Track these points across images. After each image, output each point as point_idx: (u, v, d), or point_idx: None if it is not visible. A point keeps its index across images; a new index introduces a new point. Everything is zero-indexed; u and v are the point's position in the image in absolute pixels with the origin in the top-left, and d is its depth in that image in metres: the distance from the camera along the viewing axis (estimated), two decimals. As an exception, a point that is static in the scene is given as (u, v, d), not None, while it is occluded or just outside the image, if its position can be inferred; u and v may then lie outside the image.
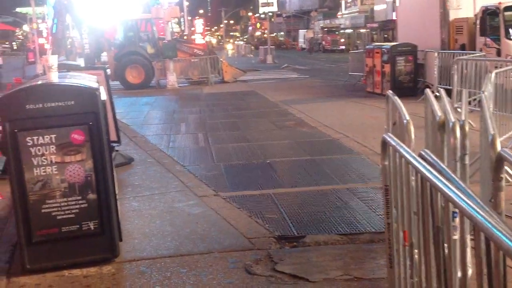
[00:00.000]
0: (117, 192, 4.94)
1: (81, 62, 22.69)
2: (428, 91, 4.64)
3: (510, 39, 13.61)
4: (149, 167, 8.13)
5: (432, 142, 3.43)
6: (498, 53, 13.89)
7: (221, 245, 4.90)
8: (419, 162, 2.35)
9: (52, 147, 4.46)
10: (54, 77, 4.73)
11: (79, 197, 4.54)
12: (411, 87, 15.90)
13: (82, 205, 4.54)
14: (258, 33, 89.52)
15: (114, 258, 4.64)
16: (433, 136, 3.57)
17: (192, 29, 72.70)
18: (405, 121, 3.21)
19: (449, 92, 13.68)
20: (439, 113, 3.31)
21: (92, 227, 4.57)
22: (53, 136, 4.45)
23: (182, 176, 7.46)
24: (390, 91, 4.90)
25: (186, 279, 4.25)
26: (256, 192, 6.60)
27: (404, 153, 2.45)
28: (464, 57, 12.06)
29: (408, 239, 2.59)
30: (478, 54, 12.77)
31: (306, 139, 9.91)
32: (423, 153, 2.48)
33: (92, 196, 4.55)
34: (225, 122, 12.27)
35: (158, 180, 7.34)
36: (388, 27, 50.84)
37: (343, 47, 60.60)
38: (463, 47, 15.60)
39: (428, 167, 2.20)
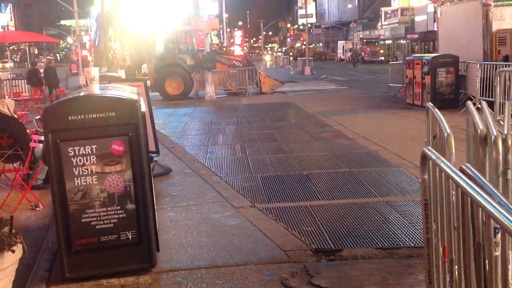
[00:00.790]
0: (154, 202, 5.00)
1: (122, 73, 23.19)
2: (469, 103, 4.54)
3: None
4: (187, 177, 8.20)
5: (473, 156, 3.35)
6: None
7: (257, 257, 4.89)
8: (459, 177, 2.29)
9: (93, 158, 4.54)
10: (96, 88, 4.83)
11: (118, 207, 4.61)
12: (452, 99, 15.63)
13: (121, 215, 4.61)
14: (297, 45, 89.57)
15: (151, 268, 4.68)
16: (475, 150, 3.49)
17: (231, 40, 73.39)
18: (445, 134, 3.15)
19: (491, 104, 13.41)
20: (481, 126, 3.23)
21: (130, 237, 4.63)
22: (93, 146, 4.54)
23: (219, 187, 7.50)
24: (430, 103, 4.82)
25: (221, 290, 4.26)
26: (293, 204, 6.57)
27: (445, 167, 2.39)
28: (507, 68, 11.77)
29: (448, 255, 2.52)
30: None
31: (344, 151, 9.83)
32: (464, 167, 2.42)
33: (130, 206, 4.62)
34: (262, 133, 12.29)
35: (195, 190, 7.39)
36: (428, 38, 50.15)
37: (382, 58, 60.14)
38: (506, 59, 15.25)
39: (469, 181, 2.15)
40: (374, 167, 8.35)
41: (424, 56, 17.04)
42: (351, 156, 9.28)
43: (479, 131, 3.14)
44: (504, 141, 2.83)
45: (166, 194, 7.29)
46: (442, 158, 2.41)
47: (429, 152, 2.60)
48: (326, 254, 4.94)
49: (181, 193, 7.33)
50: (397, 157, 9.00)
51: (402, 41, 62.07)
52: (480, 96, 14.04)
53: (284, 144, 10.82)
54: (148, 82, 23.04)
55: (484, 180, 2.32)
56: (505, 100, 10.92)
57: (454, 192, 2.54)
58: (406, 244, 5.06)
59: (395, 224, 5.63)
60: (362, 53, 62.97)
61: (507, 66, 12.85)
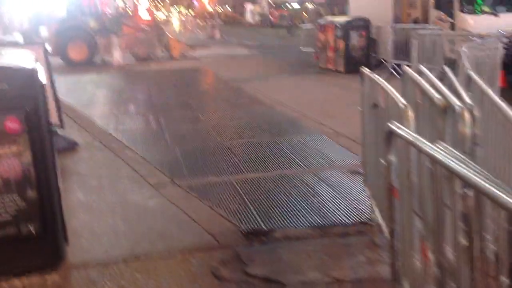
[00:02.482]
0: (60, 185, 4.33)
1: (19, 38, 21.35)
2: (406, 68, 4.21)
3: (464, 12, 13.47)
4: (96, 152, 7.46)
5: (428, 131, 3.00)
6: (452, 27, 13.76)
7: (183, 243, 4.38)
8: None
9: (-18, 138, 3.80)
10: (-18, 55, 4.04)
11: (16, 195, 3.90)
12: (364, 62, 15.59)
13: (20, 205, 3.91)
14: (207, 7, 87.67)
15: (60, 263, 4.05)
16: (422, 123, 3.13)
17: (136, 3, 70.35)
18: (401, 105, 2.76)
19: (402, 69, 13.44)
20: (436, 95, 2.88)
21: (32, 229, 3.95)
22: (-18, 125, 3.79)
23: (134, 163, 6.86)
24: (366, 68, 4.45)
25: None
26: (216, 179, 6.08)
27: (424, 146, 1.97)
28: (424, 31, 11.80)
29: (428, 253, 2.12)
30: (434, 28, 12.56)
31: (263, 118, 9.44)
32: (438, 145, 2.03)
33: (31, 193, 3.92)
34: (176, 102, 11.62)
35: (106, 167, 6.71)
36: (335, 2, 50.60)
37: (290, 22, 60.09)
38: (415, 21, 15.43)
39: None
40: (296, 135, 8.02)
41: (337, 20, 16.88)
42: (272, 124, 8.91)
43: (437, 101, 2.78)
44: (471, 113, 2.48)
45: (73, 172, 6.55)
46: (420, 138, 2.00)
47: (399, 130, 2.17)
48: (258, 236, 4.51)
49: (91, 170, 6.62)
50: (317, 124, 8.73)
51: (309, 5, 62.30)
52: (392, 59, 14.12)
53: (201, 112, 10.25)
54: (49, 46, 21.47)
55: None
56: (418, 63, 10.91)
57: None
58: (341, 221, 4.75)
59: (326, 198, 5.31)
60: (271, 17, 62.65)
61: (419, 29, 12.94)
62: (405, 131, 2.10)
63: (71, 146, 7.66)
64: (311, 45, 19.58)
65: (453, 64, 10.71)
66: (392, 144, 2.32)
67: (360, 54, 15.59)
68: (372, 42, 15.84)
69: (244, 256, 4.11)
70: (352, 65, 15.47)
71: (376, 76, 3.91)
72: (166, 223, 4.82)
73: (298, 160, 6.67)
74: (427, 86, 3.24)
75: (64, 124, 7.69)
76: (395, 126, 2.20)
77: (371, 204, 4.59)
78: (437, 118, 2.76)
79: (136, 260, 4.12)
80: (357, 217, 4.78)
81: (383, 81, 3.61)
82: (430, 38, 11.39)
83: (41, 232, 3.98)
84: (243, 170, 6.38)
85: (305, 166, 6.44)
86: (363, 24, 15.76)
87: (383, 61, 14.92)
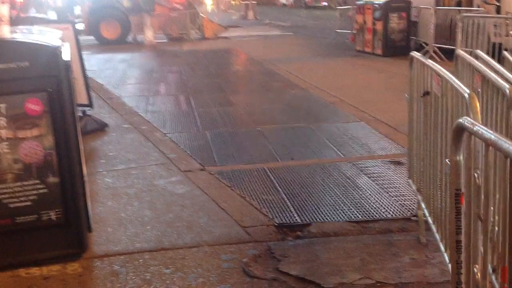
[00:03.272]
0: (84, 170, 4.09)
1: (53, 15, 21.34)
2: (461, 52, 3.82)
3: (511, -5, 12.75)
4: (125, 134, 7.24)
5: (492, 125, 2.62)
6: (498, 11, 13.07)
7: (212, 235, 4.11)
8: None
9: (2, 120, 3.57)
10: (5, 31, 3.79)
11: (37, 181, 3.68)
12: (404, 46, 15.05)
13: (41, 191, 3.69)
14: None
15: (82, 253, 3.83)
16: (492, 115, 2.74)
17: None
18: (466, 94, 2.39)
19: (445, 53, 12.91)
20: (504, 84, 2.50)
21: (54, 217, 3.73)
22: (2, 105, 3.56)
23: (163, 146, 6.61)
24: (416, 52, 4.05)
25: (170, 283, 3.46)
26: (248, 166, 5.78)
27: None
28: (470, 14, 11.21)
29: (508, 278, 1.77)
30: (480, 10, 11.92)
31: (298, 102, 9.08)
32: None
33: (53, 179, 3.69)
34: (208, 83, 11.33)
35: (135, 150, 6.48)
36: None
37: (325, 3, 59.08)
38: (459, 4, 14.75)
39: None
40: (333, 121, 7.65)
41: (375, 1, 16.27)
42: (307, 109, 8.54)
43: (507, 91, 2.40)
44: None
45: (101, 155, 6.35)
46: (500, 137, 1.64)
47: (475, 127, 1.80)
48: (292, 229, 4.21)
49: (119, 153, 6.39)
50: (355, 110, 8.33)
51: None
52: (434, 43, 13.53)
53: (232, 95, 9.94)
54: (82, 25, 21.39)
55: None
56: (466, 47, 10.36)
57: None
58: (382, 215, 4.40)
59: (366, 191, 4.95)
60: (305, -2, 61.67)
61: (464, 11, 12.32)
62: (484, 129, 1.74)
63: (101, 128, 7.46)
64: (347, 26, 19.04)
65: (498, 49, 10.18)
66: (462, 142, 1.97)
67: (399, 37, 15.02)
68: (412, 24, 15.23)
69: (277, 252, 3.81)
70: (391, 48, 14.97)
71: (430, 61, 3.52)
72: (195, 212, 4.55)
73: (336, 148, 6.31)
74: (491, 73, 2.86)
75: (93, 105, 7.49)
76: (468, 122, 1.84)
77: (416, 200, 4.24)
78: (507, 111, 2.38)
79: (162, 252, 3.87)
80: (401, 213, 4.42)
81: (438, 66, 3.23)
82: (475, 21, 10.79)
83: (62, 220, 3.76)
84: (277, 157, 6.06)
85: (343, 155, 6.08)
86: (403, 6, 15.15)
87: (423, 44, 14.32)
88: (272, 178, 5.36)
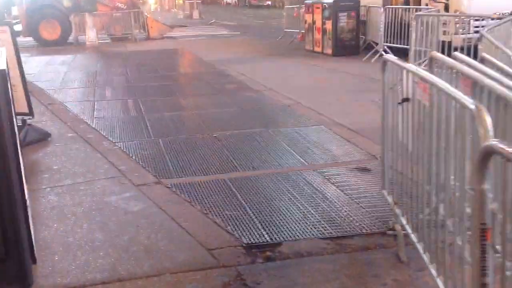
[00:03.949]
0: (26, 191, 3.61)
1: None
2: (459, 54, 3.53)
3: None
4: (71, 144, 6.70)
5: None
6: (446, 8, 13.15)
7: (174, 261, 3.69)
8: None
9: None
10: None
11: (-30, 209, 3.17)
12: (353, 45, 15.00)
13: (-25, 221, 3.19)
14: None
15: (27, 289, 3.35)
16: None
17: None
18: (472, 106, 2.10)
19: (398, 53, 12.85)
20: None
21: (-9, 250, 3.23)
22: None
23: (113, 157, 6.13)
24: (390, 55, 3.77)
25: (130, 322, 3.05)
26: (207, 177, 5.38)
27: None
28: (422, 13, 11.16)
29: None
30: (432, 10, 11.92)
31: (253, 105, 8.74)
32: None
33: (-11, 206, 3.20)
34: (156, 86, 10.83)
35: (82, 162, 5.97)
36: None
37: (269, 2, 59.00)
38: (406, 3, 14.78)
39: None
40: (291, 125, 7.34)
41: (324, 0, 16.13)
42: (263, 112, 8.22)
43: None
44: None
45: (44, 169, 5.80)
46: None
47: (502, 148, 1.51)
48: (262, 250, 3.84)
49: (64, 166, 5.87)
50: (313, 112, 8.06)
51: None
52: (384, 43, 13.48)
53: (184, 98, 9.51)
54: (20, 26, 20.33)
55: None
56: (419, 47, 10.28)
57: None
58: (356, 230, 4.10)
59: (335, 202, 4.65)
60: (250, -3, 61.43)
61: (415, 10, 12.30)
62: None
63: (43, 138, 6.89)
64: (294, 26, 18.86)
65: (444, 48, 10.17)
66: (489, 168, 1.67)
67: (349, 36, 14.91)
68: (361, 23, 15.16)
69: (248, 278, 3.45)
70: (340, 48, 14.84)
71: (411, 65, 3.24)
72: (153, 233, 4.12)
73: (298, 155, 6.00)
74: (487, 79, 2.59)
75: (33, 113, 6.90)
76: (499, 146, 1.54)
77: (390, 211, 3.97)
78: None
79: (118, 284, 3.43)
80: (376, 226, 4.14)
81: (424, 72, 2.94)
82: (426, 20, 10.74)
83: (2, 252, 3.27)
84: (237, 166, 5.69)
85: (306, 161, 5.77)
86: (352, 5, 15.02)
87: (372, 44, 14.27)
88: (234, 190, 4.99)
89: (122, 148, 6.45)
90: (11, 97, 4.20)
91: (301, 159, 5.85)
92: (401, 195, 3.71)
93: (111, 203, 4.76)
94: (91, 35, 19.93)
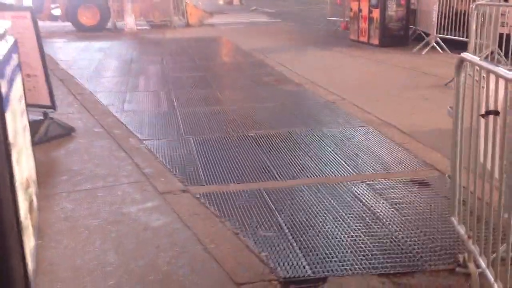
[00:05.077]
0: (22, 214, 3.05)
1: (28, 1, 20.07)
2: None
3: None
4: (95, 141, 6.17)
5: None
6: (506, -2, 12.11)
7: (196, 297, 3.09)
8: None
9: None
10: None
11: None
12: (402, 35, 14.09)
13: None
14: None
15: (19, 329, 2.79)
16: None
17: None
18: None
19: (450, 44, 11.94)
20: None
21: (-25, 284, 2.68)
22: None
23: (138, 157, 5.56)
24: (468, 53, 3.04)
25: None
26: (241, 186, 4.74)
27: None
28: (484, 2, 10.21)
29: None
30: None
31: (294, 101, 8.05)
32: None
33: (-27, 232, 2.64)
34: (192, 76, 10.24)
35: (105, 162, 5.42)
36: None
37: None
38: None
39: None
40: (336, 126, 6.62)
41: (371, -13, 15.20)
42: (305, 109, 7.52)
43: None
44: None
45: (63, 169, 5.27)
46: None
47: None
48: (302, 286, 3.20)
49: (85, 166, 5.33)
50: (360, 111, 7.32)
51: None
52: (436, 34, 12.55)
53: (220, 91, 8.89)
54: (59, 11, 20.09)
55: None
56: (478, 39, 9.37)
57: None
58: (418, 265, 3.39)
59: (390, 225, 3.95)
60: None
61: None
62: None
63: (66, 133, 6.38)
64: (337, 13, 18.00)
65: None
66: None
67: (397, 26, 14.01)
68: (411, 12, 14.23)
69: (285, 327, 2.81)
70: (388, 38, 13.97)
71: (502, 68, 2.51)
72: (174, 258, 3.52)
73: (343, 161, 5.30)
74: None
75: (56, 105, 6.39)
76: None
77: (460, 242, 3.27)
78: None
79: (128, 326, 2.84)
80: (441, 261, 3.43)
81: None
82: (485, 10, 9.78)
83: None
84: (275, 174, 5.03)
85: (353, 170, 5.07)
86: (402, -8, 14.13)
87: (423, 34, 13.32)
88: (271, 204, 4.34)
89: (149, 147, 5.88)
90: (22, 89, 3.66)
91: (347, 167, 5.14)
92: (476, 226, 3.00)
93: (130, 215, 4.18)
94: (129, 22, 19.50)
